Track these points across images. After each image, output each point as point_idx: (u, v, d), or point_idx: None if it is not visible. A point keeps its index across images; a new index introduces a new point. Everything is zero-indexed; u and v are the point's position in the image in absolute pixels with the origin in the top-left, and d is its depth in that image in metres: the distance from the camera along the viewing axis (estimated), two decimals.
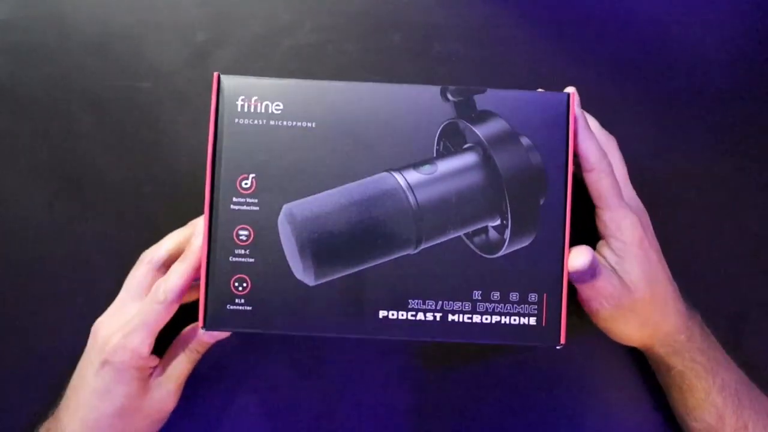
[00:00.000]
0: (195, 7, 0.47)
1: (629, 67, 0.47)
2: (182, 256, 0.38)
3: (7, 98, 0.46)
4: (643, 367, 0.45)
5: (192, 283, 0.38)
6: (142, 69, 0.46)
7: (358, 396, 0.45)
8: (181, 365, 0.41)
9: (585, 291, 0.39)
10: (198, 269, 0.37)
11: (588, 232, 0.39)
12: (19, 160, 0.46)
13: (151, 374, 0.40)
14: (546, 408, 0.45)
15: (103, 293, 0.41)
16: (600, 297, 0.39)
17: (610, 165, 0.38)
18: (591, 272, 0.37)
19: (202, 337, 0.41)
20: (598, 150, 0.38)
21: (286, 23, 0.47)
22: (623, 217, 0.38)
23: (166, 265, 0.40)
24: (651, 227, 0.41)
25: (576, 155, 0.38)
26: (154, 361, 0.40)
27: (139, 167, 0.46)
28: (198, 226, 0.38)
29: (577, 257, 0.37)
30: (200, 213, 0.40)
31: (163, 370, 0.40)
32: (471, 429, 0.45)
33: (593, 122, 0.42)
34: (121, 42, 0.47)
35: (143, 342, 0.38)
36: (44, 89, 0.46)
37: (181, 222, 0.41)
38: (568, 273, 0.37)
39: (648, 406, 0.45)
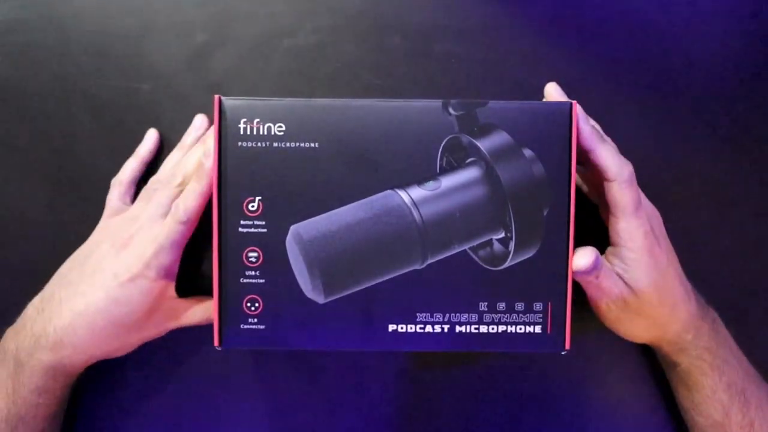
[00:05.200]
0: (195, 7, 0.46)
1: (629, 68, 0.46)
2: (196, 176, 0.40)
3: (7, 98, 0.46)
4: (645, 367, 0.46)
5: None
6: (142, 70, 0.46)
7: (355, 397, 0.47)
8: (191, 319, 0.42)
9: (591, 291, 0.40)
10: (212, 184, 0.38)
11: (591, 241, 0.39)
12: (19, 160, 0.46)
13: (167, 299, 0.41)
14: (546, 410, 0.47)
15: None
16: (606, 298, 0.39)
17: (631, 174, 0.38)
18: (595, 273, 0.38)
19: None
20: (618, 159, 0.38)
21: (286, 24, 0.46)
22: (636, 228, 0.38)
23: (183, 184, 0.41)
24: (663, 230, 0.41)
25: (596, 166, 0.38)
26: (173, 289, 0.41)
27: None
28: (207, 145, 0.38)
29: (581, 258, 0.37)
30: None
31: (178, 305, 0.42)
32: (470, 430, 0.47)
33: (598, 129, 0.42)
34: (121, 43, 0.46)
35: (173, 260, 0.40)
36: (44, 89, 0.46)
37: None
38: (572, 272, 0.37)
39: (649, 408, 0.47)
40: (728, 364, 0.41)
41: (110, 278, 0.39)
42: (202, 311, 0.42)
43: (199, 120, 0.45)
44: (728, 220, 0.47)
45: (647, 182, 0.42)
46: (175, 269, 0.41)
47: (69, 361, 0.40)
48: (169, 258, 0.39)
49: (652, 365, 0.46)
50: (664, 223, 0.42)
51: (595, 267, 0.37)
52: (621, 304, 0.40)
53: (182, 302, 0.42)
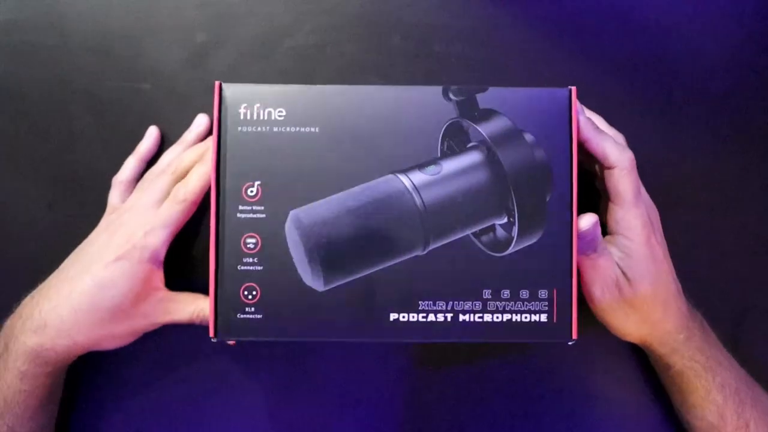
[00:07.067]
0: (194, 8, 0.47)
1: (629, 68, 0.47)
2: (203, 160, 0.41)
3: (7, 98, 0.46)
4: (645, 366, 0.45)
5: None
6: (141, 70, 0.46)
7: (355, 396, 0.45)
8: (181, 315, 0.41)
9: (588, 273, 0.39)
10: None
11: None
12: (19, 160, 0.46)
13: (154, 288, 0.40)
14: (547, 407, 0.45)
15: None
16: (601, 282, 0.39)
17: (632, 161, 0.38)
18: (595, 242, 0.37)
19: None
20: (616, 147, 0.38)
21: (285, 24, 0.47)
22: (635, 217, 0.38)
23: (184, 174, 0.41)
24: (660, 225, 0.41)
25: (595, 155, 0.38)
26: (161, 276, 0.41)
27: None
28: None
29: (583, 219, 0.37)
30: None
31: (168, 301, 0.41)
32: (470, 429, 0.45)
33: (600, 121, 0.42)
34: (121, 43, 0.46)
35: (163, 242, 0.39)
36: (44, 89, 0.46)
37: None
38: (577, 235, 0.37)
39: (649, 406, 0.46)
40: (720, 365, 0.41)
41: (97, 261, 0.39)
42: (193, 306, 0.41)
43: (201, 118, 0.45)
44: (728, 220, 0.47)
45: (646, 182, 0.42)
46: (162, 253, 0.40)
47: (51, 345, 0.38)
48: (158, 239, 0.39)
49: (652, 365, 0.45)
50: (663, 222, 0.42)
51: (596, 227, 0.37)
52: (615, 292, 0.39)
53: (173, 295, 0.41)
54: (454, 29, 0.47)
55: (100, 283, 0.38)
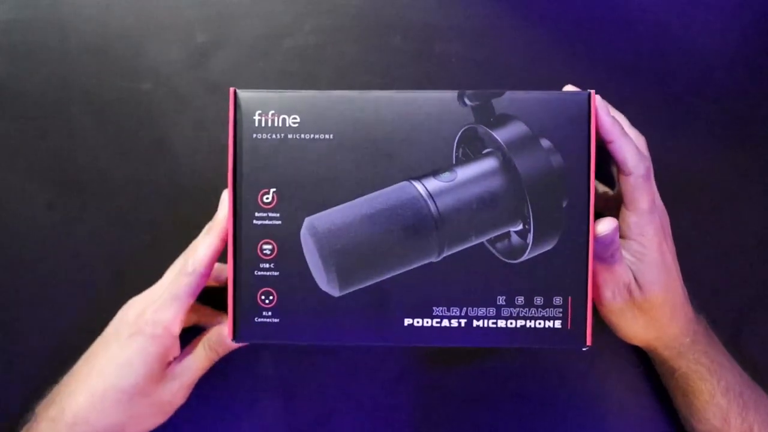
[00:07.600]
0: (195, 8, 0.47)
1: (629, 68, 0.46)
2: (207, 227, 0.39)
3: (7, 98, 0.46)
4: (651, 370, 0.45)
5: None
6: (142, 70, 0.46)
7: (358, 397, 0.46)
8: (198, 360, 0.41)
9: (602, 276, 0.38)
10: (224, 239, 0.37)
11: None
12: (19, 160, 0.46)
13: (170, 362, 0.40)
14: (549, 410, 0.46)
15: (102, 293, 0.41)
16: (614, 284, 0.39)
17: (649, 169, 0.38)
18: (613, 246, 0.37)
19: (225, 341, 0.41)
20: (637, 154, 0.37)
21: (286, 24, 0.46)
22: (648, 223, 0.38)
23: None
24: (670, 231, 0.41)
25: (614, 157, 0.38)
26: (177, 349, 0.40)
27: (139, 168, 0.46)
28: (222, 199, 0.38)
29: (602, 224, 0.36)
30: (200, 214, 0.41)
31: (181, 361, 0.40)
32: (474, 430, 0.46)
33: (624, 120, 0.41)
34: (121, 43, 0.46)
35: (175, 316, 0.38)
36: (44, 89, 0.46)
37: (181, 223, 0.41)
38: (594, 240, 0.36)
39: (655, 410, 0.46)
40: (724, 367, 0.41)
41: (113, 341, 0.39)
42: (202, 350, 0.41)
43: None
44: (728, 221, 0.46)
45: None
46: (175, 328, 0.39)
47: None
48: (169, 314, 0.38)
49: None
50: None
51: (615, 232, 0.36)
52: (626, 296, 0.39)
53: (184, 353, 0.41)
54: (455, 29, 0.46)
55: (116, 362, 0.38)
